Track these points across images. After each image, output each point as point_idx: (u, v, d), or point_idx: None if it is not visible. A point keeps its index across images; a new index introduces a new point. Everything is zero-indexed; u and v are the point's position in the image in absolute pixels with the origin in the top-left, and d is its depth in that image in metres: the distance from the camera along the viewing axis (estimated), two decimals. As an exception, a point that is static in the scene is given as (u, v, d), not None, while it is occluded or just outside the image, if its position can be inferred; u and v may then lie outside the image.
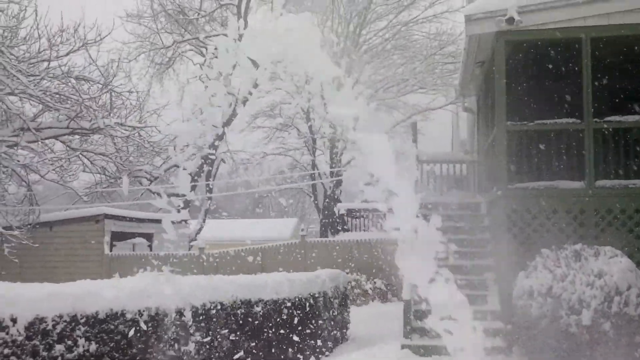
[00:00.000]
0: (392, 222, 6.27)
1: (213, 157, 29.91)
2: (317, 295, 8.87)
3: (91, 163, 15.00)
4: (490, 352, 7.29)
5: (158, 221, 19.84)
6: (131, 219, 17.76)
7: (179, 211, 23.29)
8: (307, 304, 8.56)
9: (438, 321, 4.54)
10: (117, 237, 17.60)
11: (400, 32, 29.09)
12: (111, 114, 13.76)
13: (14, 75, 11.35)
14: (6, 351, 5.48)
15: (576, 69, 8.39)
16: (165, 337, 6.39)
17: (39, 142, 12.65)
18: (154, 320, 6.31)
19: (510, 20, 8.32)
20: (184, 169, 6.26)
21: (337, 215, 24.12)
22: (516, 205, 8.14)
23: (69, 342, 5.70)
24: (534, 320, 6.59)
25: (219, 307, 7.13)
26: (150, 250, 18.96)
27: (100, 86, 14.65)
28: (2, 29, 12.58)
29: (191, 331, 6.71)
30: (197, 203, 29.16)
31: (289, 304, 8.18)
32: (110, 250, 16.86)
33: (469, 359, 7.16)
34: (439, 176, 12.53)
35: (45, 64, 13.57)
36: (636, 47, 8.36)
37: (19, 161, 12.03)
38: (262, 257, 16.72)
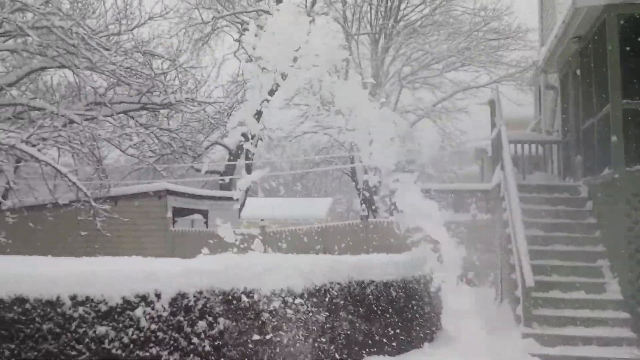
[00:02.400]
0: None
1: (252, 135, 29.84)
2: (418, 277, 8.70)
3: (157, 139, 14.93)
4: (619, 343, 7.05)
5: (214, 198, 19.81)
6: (190, 196, 17.71)
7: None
8: (411, 287, 8.39)
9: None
10: (177, 213, 17.59)
11: (440, 7, 28.42)
12: (180, 90, 13.65)
13: (95, 49, 11.21)
14: (153, 326, 5.38)
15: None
16: (295, 316, 6.25)
17: (114, 116, 12.59)
18: (284, 299, 6.17)
19: (626, -8, 7.97)
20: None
21: (388, 195, 23.87)
22: (637, 189, 7.84)
23: (210, 319, 5.59)
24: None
25: (336, 287, 6.98)
26: (207, 227, 18.93)
27: (166, 62, 14.52)
28: (77, 1, 12.38)
29: (315, 310, 6.57)
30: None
31: (395, 286, 8.01)
32: (173, 226, 16.85)
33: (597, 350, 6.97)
34: (519, 157, 12.17)
35: (114, 37, 13.43)
36: None
37: (100, 135, 11.95)
38: (324, 237, 16.58)
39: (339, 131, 35.35)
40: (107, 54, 11.90)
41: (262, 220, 17.14)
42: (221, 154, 37.74)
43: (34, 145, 10.96)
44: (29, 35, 10.53)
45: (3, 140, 10.07)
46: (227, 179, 30.07)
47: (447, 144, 29.84)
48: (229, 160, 30.39)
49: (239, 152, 29.71)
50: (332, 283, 6.87)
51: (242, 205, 30.09)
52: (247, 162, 31.40)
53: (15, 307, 5.38)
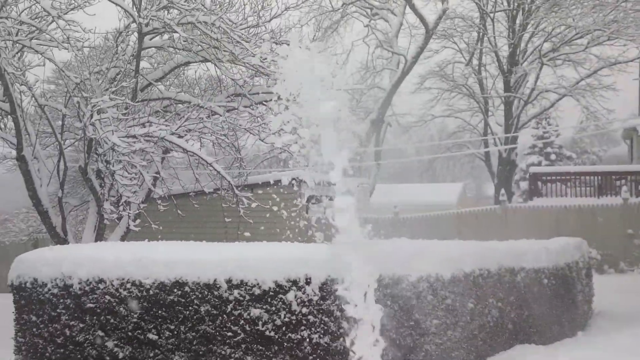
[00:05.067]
0: None
1: (381, 122, 29.75)
2: (570, 264, 8.21)
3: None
4: None
5: (346, 185, 19.97)
6: (322, 183, 17.91)
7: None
8: (563, 274, 7.94)
9: None
10: (311, 199, 17.87)
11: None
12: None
13: (237, 41, 11.55)
14: (304, 310, 5.46)
15: None
16: (443, 303, 6.09)
17: (252, 107, 12.95)
18: (432, 286, 6.02)
19: None
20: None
21: (528, 178, 22.89)
22: None
23: (360, 304, 5.57)
24: None
25: (485, 274, 6.73)
26: (339, 213, 19.08)
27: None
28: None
29: (463, 297, 6.37)
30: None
31: (547, 273, 7.61)
32: (307, 213, 17.15)
33: None
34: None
35: (253, 30, 13.75)
36: None
37: (240, 125, 12.36)
38: (459, 223, 16.16)
39: (471, 114, 34.38)
40: (248, 46, 12.21)
41: (395, 206, 17.00)
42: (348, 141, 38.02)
43: (180, 137, 11.51)
44: (175, 32, 11.06)
45: (154, 133, 10.65)
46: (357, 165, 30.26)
47: (591, 124, 27.95)
48: (358, 147, 30.54)
49: (369, 138, 29.77)
50: (481, 269, 6.62)
51: (371, 191, 30.24)
52: (376, 149, 31.43)
53: (175, 290, 5.68)
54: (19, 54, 11.16)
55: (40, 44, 10.55)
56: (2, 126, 11.94)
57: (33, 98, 11.15)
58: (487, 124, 31.34)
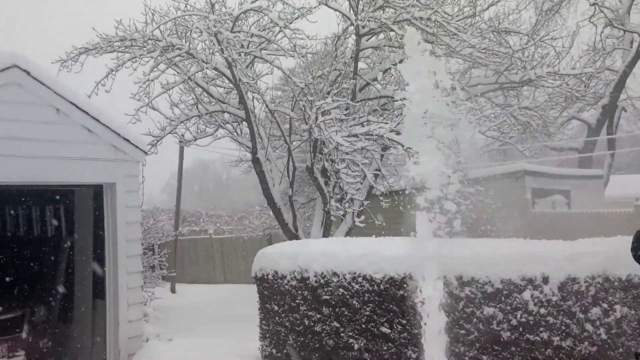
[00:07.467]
0: None
1: (614, 107, 27.08)
2: None
3: (515, 118, 14.55)
4: None
5: (575, 177, 18.62)
6: (550, 175, 16.86)
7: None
8: None
9: None
10: (536, 194, 16.93)
11: None
12: (540, 64, 13.01)
13: (453, 34, 11.35)
14: (542, 310, 5.14)
15: None
16: None
17: (471, 99, 12.66)
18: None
19: None
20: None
21: None
22: None
23: (605, 306, 5.08)
24: None
25: None
26: (569, 208, 17.80)
27: (522, 37, 14.01)
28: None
29: None
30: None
31: None
32: (532, 208, 16.28)
33: None
34: None
35: (469, 20, 13.40)
36: None
37: (459, 119, 12.17)
38: None
39: None
40: (465, 37, 11.95)
41: (637, 199, 15.32)
42: (576, 130, 35.30)
43: (398, 133, 11.61)
44: (391, 30, 11.19)
45: (374, 131, 10.87)
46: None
47: None
48: (588, 136, 28.22)
49: (601, 125, 27.32)
50: None
51: (605, 183, 27.65)
52: (608, 137, 28.73)
53: (404, 285, 5.71)
54: (251, 64, 12.13)
55: (269, 54, 11.36)
56: (239, 132, 13.05)
57: (264, 104, 12.05)
58: None
